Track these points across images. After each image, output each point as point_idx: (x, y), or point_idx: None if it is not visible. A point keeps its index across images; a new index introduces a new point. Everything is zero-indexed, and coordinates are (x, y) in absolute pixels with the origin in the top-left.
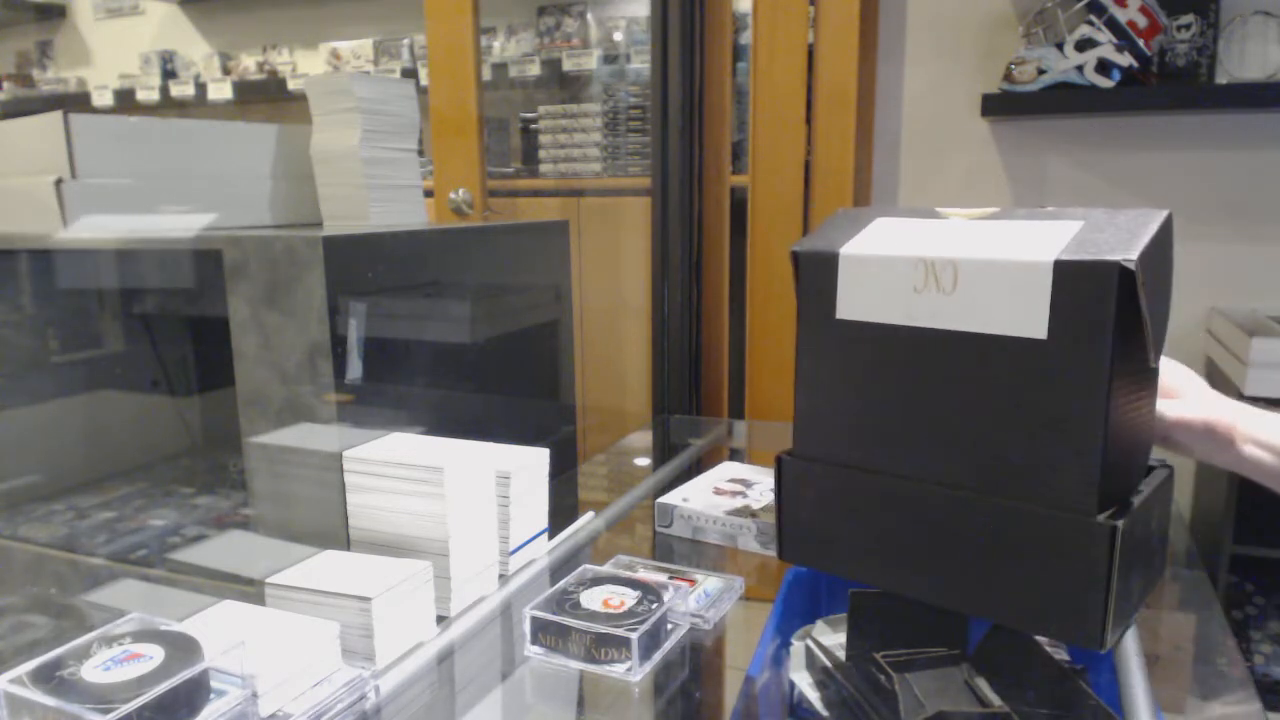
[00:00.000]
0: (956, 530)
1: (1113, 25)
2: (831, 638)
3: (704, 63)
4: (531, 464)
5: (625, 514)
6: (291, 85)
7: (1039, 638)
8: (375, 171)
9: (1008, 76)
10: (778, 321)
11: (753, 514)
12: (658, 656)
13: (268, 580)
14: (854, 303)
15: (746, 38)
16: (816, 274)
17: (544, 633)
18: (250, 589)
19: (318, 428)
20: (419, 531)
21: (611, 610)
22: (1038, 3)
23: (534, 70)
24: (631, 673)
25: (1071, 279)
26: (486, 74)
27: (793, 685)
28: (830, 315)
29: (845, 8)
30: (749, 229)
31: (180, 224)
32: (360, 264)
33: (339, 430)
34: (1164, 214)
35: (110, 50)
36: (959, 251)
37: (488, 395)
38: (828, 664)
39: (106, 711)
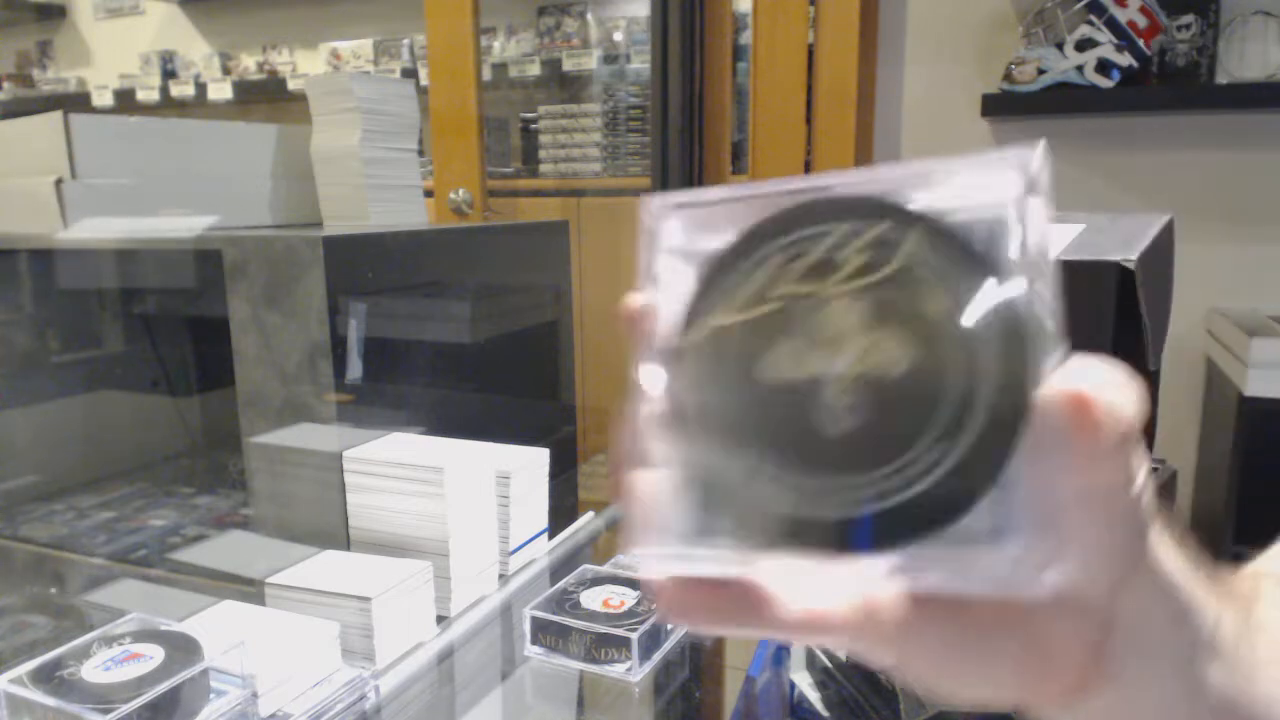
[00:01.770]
0: None
1: (1113, 25)
2: None
3: (704, 63)
4: (531, 464)
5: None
6: (291, 85)
7: None
8: (375, 171)
9: (1008, 76)
10: None
11: None
12: (658, 656)
13: (268, 580)
14: None
15: (746, 38)
16: None
17: (544, 633)
18: (250, 589)
19: (318, 428)
20: (419, 531)
21: (611, 610)
22: (1038, 3)
23: (534, 70)
24: (631, 673)
25: (1070, 279)
26: (486, 74)
27: (793, 685)
28: None
29: (845, 8)
30: None
31: (180, 224)
32: (360, 264)
33: (339, 430)
34: (1166, 217)
35: (110, 50)
36: None
37: (488, 395)
38: (828, 664)
39: (106, 711)
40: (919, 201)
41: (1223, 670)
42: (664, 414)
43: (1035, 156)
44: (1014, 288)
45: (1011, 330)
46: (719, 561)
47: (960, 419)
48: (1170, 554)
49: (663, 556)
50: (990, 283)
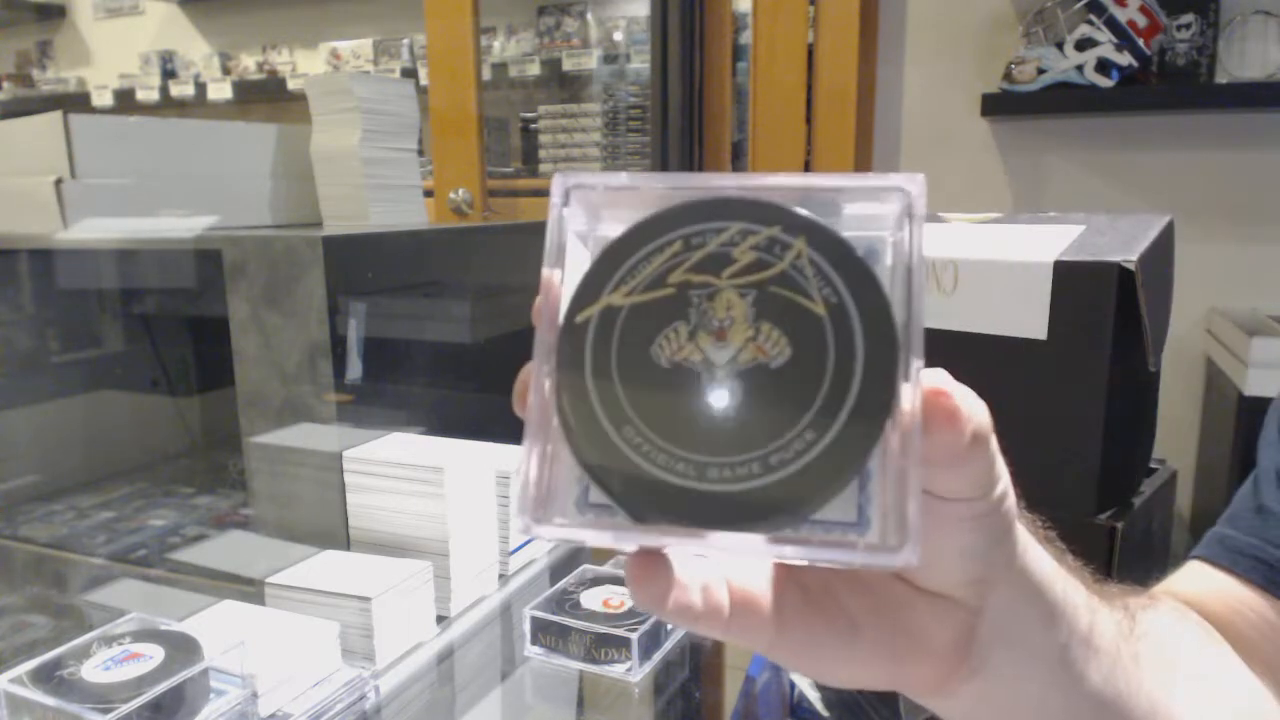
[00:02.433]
0: None
1: (1112, 25)
2: None
3: (704, 63)
4: None
5: None
6: (291, 85)
7: None
8: (375, 171)
9: (1008, 76)
10: None
11: None
12: (658, 656)
13: (268, 580)
14: None
15: (746, 38)
16: None
17: (544, 633)
18: (250, 589)
19: (318, 428)
20: (419, 531)
21: (611, 610)
22: (1038, 2)
23: (534, 70)
24: (631, 673)
25: (1071, 280)
26: (486, 74)
27: (793, 685)
28: None
29: (845, 8)
30: None
31: (180, 224)
32: (360, 264)
33: (339, 430)
34: (1165, 218)
35: (110, 50)
36: (959, 252)
37: (488, 395)
38: None
39: (106, 711)
40: (810, 211)
41: (1104, 668)
42: (557, 386)
43: (916, 184)
44: (885, 296)
45: (880, 333)
46: (603, 531)
47: (832, 409)
48: (1041, 559)
49: (549, 525)
50: (865, 290)
